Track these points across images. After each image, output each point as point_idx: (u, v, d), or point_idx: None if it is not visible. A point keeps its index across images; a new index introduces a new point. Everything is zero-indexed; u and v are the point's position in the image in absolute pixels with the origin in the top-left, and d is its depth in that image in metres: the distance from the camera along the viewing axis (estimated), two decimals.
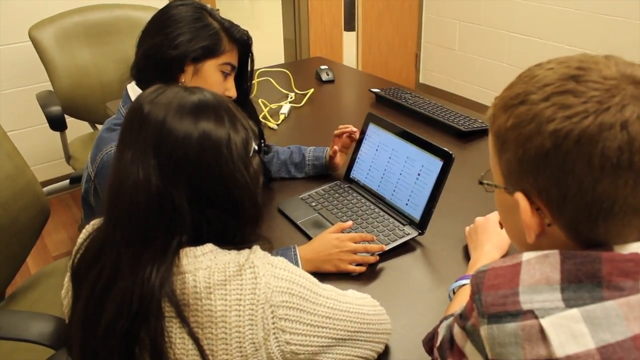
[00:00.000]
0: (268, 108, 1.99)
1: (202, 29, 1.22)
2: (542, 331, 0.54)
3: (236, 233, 0.80)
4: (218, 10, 1.35)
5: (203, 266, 0.74)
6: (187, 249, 0.76)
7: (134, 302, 0.72)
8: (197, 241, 0.77)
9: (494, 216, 1.16)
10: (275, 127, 1.87)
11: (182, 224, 0.75)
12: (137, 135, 0.76)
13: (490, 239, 1.11)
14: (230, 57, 1.27)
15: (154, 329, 0.72)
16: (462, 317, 0.65)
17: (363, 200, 1.35)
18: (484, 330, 0.58)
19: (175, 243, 0.74)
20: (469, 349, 0.63)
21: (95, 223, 0.85)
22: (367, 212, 1.31)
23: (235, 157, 0.77)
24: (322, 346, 0.79)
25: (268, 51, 3.97)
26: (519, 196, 0.60)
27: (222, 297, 0.73)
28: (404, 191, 1.27)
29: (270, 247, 0.83)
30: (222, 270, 0.74)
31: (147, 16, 1.28)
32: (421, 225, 1.22)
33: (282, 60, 3.60)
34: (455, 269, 1.14)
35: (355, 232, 1.22)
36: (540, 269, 0.57)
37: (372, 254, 1.15)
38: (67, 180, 1.83)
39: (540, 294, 0.56)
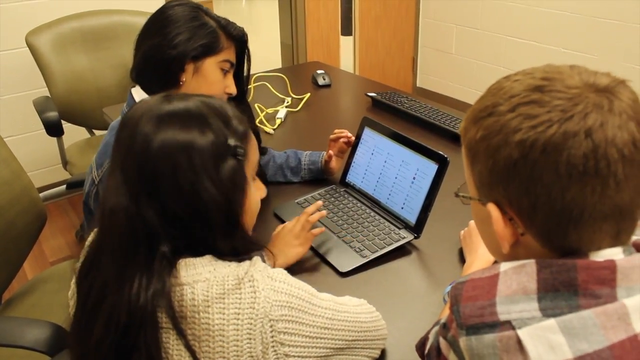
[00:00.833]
0: (264, 113, 1.99)
1: (200, 27, 1.23)
2: (519, 342, 0.54)
3: (219, 244, 0.78)
4: None
5: (202, 279, 0.74)
6: (186, 260, 0.75)
7: (121, 317, 0.72)
8: (194, 251, 0.77)
9: None
10: (271, 131, 1.87)
11: (159, 238, 0.74)
12: (115, 152, 0.78)
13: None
14: (229, 54, 1.28)
15: (150, 340, 0.72)
16: (445, 327, 0.65)
17: (359, 204, 1.35)
18: (462, 341, 0.58)
19: (159, 255, 0.74)
20: (452, 358, 0.63)
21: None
22: (362, 216, 1.31)
23: (198, 165, 0.74)
24: (320, 356, 0.79)
25: (265, 57, 3.98)
26: (491, 207, 0.61)
27: (220, 310, 0.72)
28: (399, 195, 1.27)
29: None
30: (221, 284, 0.73)
31: (144, 22, 1.28)
32: (417, 228, 1.22)
33: (279, 65, 3.61)
34: (450, 272, 1.14)
35: (351, 236, 1.23)
36: (517, 279, 0.57)
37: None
38: (64, 186, 1.83)
39: (517, 304, 0.56)
